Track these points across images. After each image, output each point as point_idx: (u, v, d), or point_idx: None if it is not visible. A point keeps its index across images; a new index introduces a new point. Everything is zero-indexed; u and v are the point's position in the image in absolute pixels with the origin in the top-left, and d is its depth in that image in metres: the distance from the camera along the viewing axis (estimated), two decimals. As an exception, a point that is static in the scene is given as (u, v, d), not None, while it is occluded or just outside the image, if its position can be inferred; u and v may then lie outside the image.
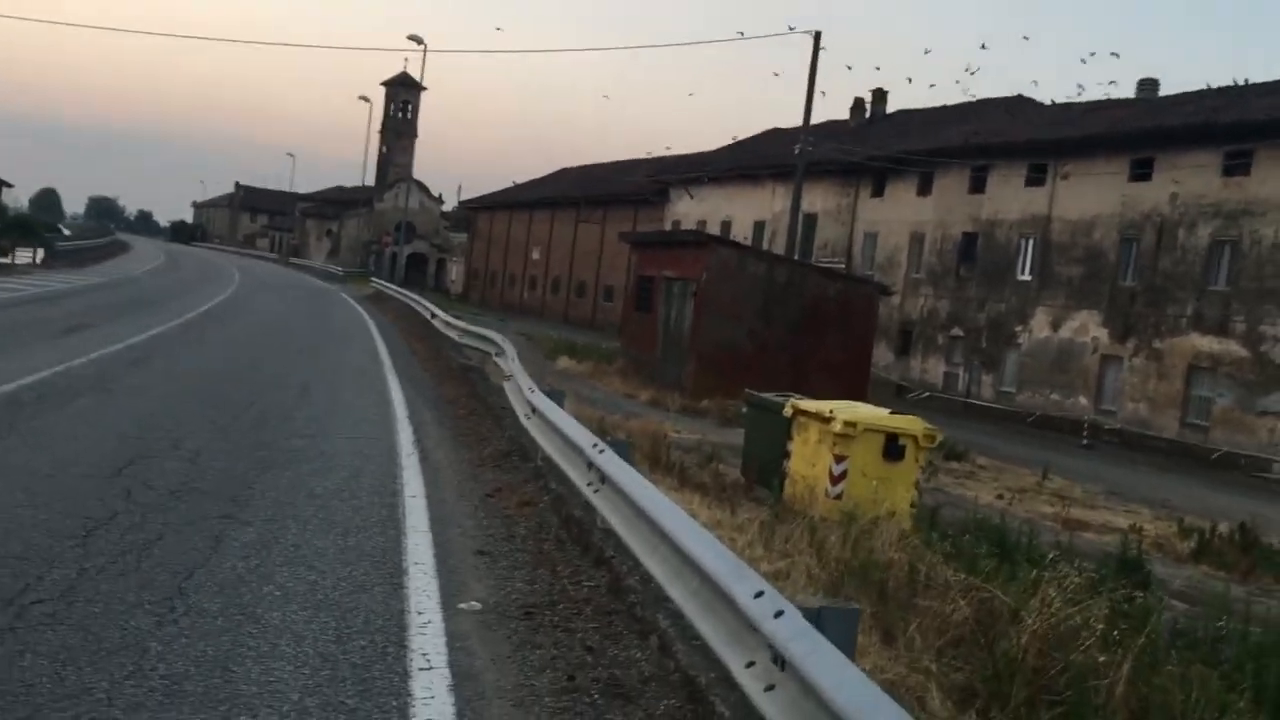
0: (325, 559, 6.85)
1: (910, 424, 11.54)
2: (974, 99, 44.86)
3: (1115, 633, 6.31)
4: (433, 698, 4.81)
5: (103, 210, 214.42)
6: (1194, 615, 9.22)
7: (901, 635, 7.05)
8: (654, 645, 5.37)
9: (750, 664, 3.87)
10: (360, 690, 4.82)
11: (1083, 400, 32.91)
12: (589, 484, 7.45)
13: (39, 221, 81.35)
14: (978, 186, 37.69)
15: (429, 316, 30.52)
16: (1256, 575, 13.18)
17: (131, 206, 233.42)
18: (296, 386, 15.72)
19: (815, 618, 3.68)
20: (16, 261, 45.60)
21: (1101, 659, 5.96)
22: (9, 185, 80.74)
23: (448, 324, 26.38)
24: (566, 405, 11.06)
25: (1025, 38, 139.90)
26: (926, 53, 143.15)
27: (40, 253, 50.44)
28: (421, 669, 5.13)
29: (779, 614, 3.67)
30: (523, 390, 11.76)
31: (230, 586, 6.09)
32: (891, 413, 12.18)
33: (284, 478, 9.24)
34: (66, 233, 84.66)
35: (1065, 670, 6.28)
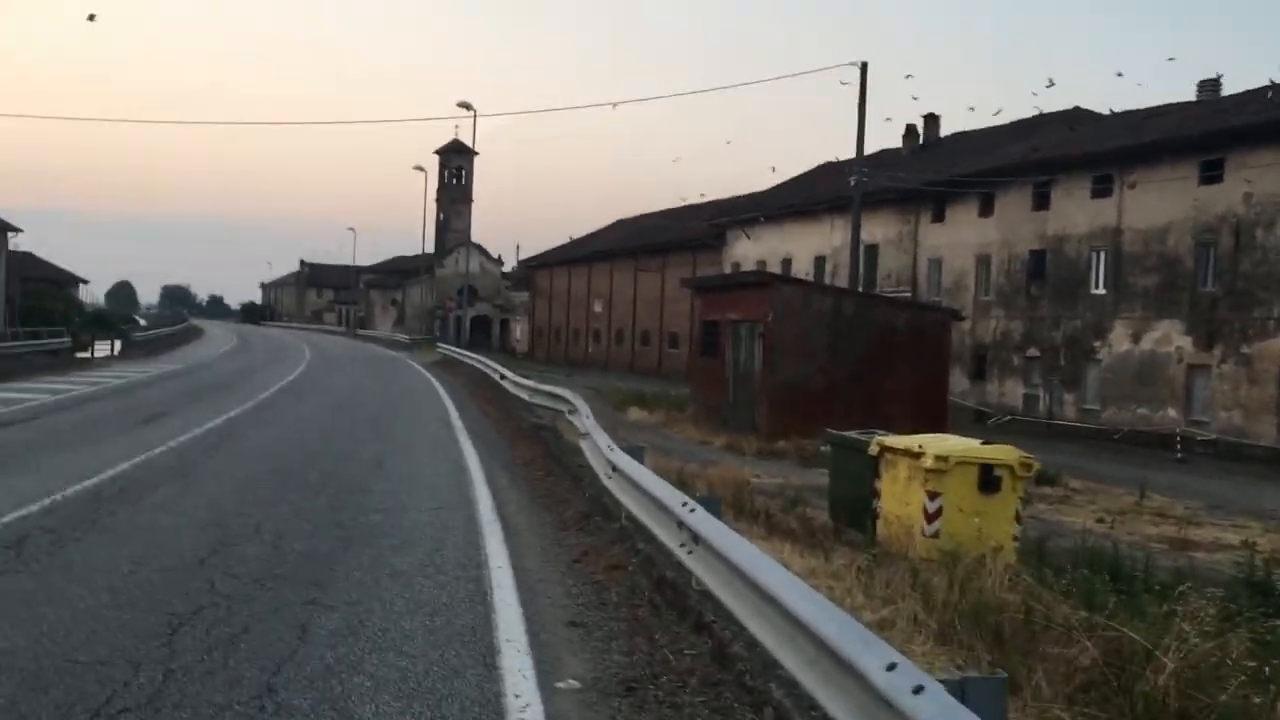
0: (414, 642, 6.60)
1: (1005, 454, 11.07)
2: (1031, 115, 44.14)
3: (1266, 669, 5.81)
4: (539, 791, 4.51)
5: (176, 298, 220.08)
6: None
7: (1027, 683, 6.60)
8: (769, 718, 5.02)
9: (888, 744, 3.52)
10: (462, 788, 4.54)
11: (1172, 413, 31.83)
12: (681, 544, 7.12)
13: (116, 314, 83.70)
14: (1041, 203, 36.95)
15: (498, 378, 30.49)
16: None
17: (203, 292, 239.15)
18: (371, 460, 15.63)
19: (959, 691, 3.33)
20: (96, 355, 46.66)
21: (1257, 699, 5.47)
22: (84, 281, 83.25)
23: (517, 384, 26.28)
24: (646, 459, 10.79)
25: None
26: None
27: (118, 345, 51.63)
28: (524, 760, 4.83)
29: (919, 689, 3.32)
30: (601, 448, 11.50)
31: (320, 679, 5.86)
32: (984, 443, 11.72)
33: (365, 556, 9.05)
34: (142, 323, 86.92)
35: (1212, 712, 5.81)
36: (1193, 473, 25.67)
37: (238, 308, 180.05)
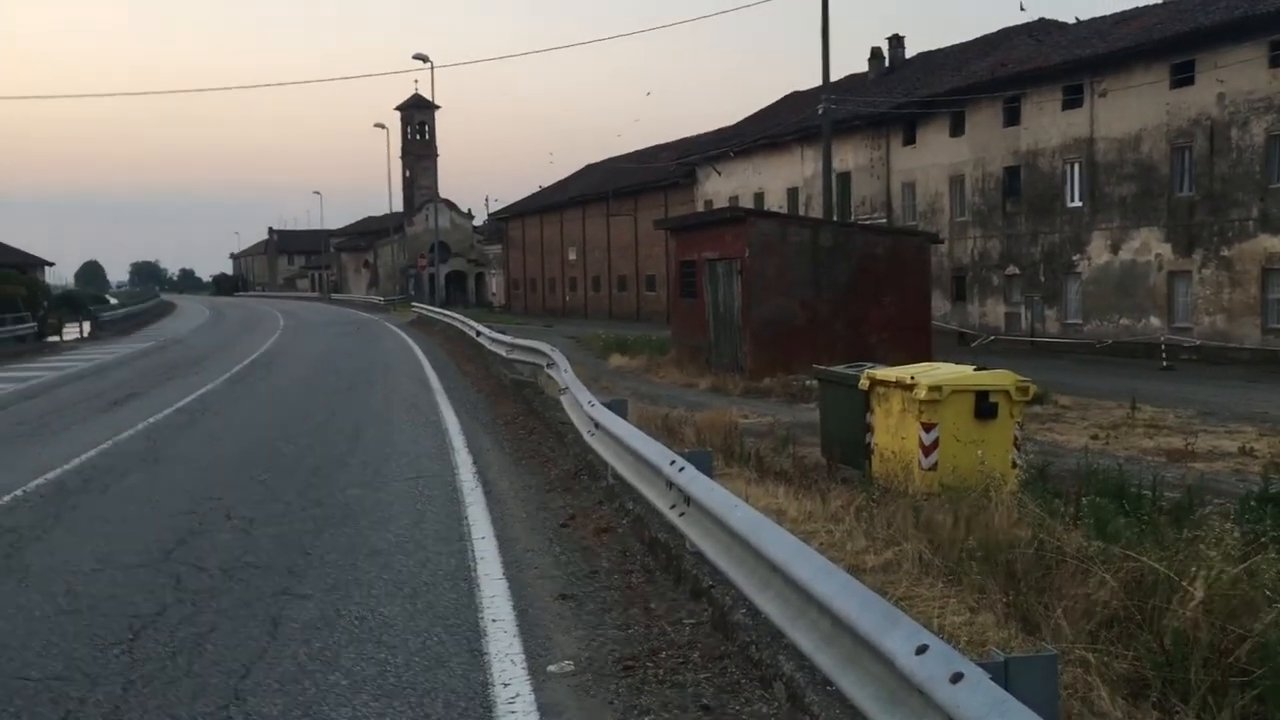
0: (394, 630, 6.17)
1: (999, 378, 10.68)
2: (995, 30, 43.44)
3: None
4: (533, 797, 4.10)
5: (146, 274, 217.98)
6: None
7: (1045, 622, 6.24)
8: (781, 696, 4.61)
9: (924, 738, 3.11)
10: (449, 799, 4.13)
11: (1154, 321, 31.60)
12: (672, 506, 6.67)
13: (84, 294, 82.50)
14: (1012, 119, 36.38)
15: (474, 335, 29.92)
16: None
17: (173, 266, 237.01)
18: (348, 430, 15.14)
19: (1002, 674, 2.92)
20: (65, 338, 45.81)
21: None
22: (49, 264, 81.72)
23: (494, 340, 25.73)
24: (630, 407, 10.34)
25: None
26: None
27: (86, 325, 50.70)
28: (516, 759, 4.42)
29: (957, 677, 2.90)
30: (582, 404, 11.02)
31: (292, 681, 5.42)
32: (976, 368, 11.32)
33: (342, 536, 8.60)
34: (113, 302, 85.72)
35: (1248, 643, 5.45)
36: (1180, 380, 25.45)
37: (209, 280, 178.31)
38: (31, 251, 77.37)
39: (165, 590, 7.17)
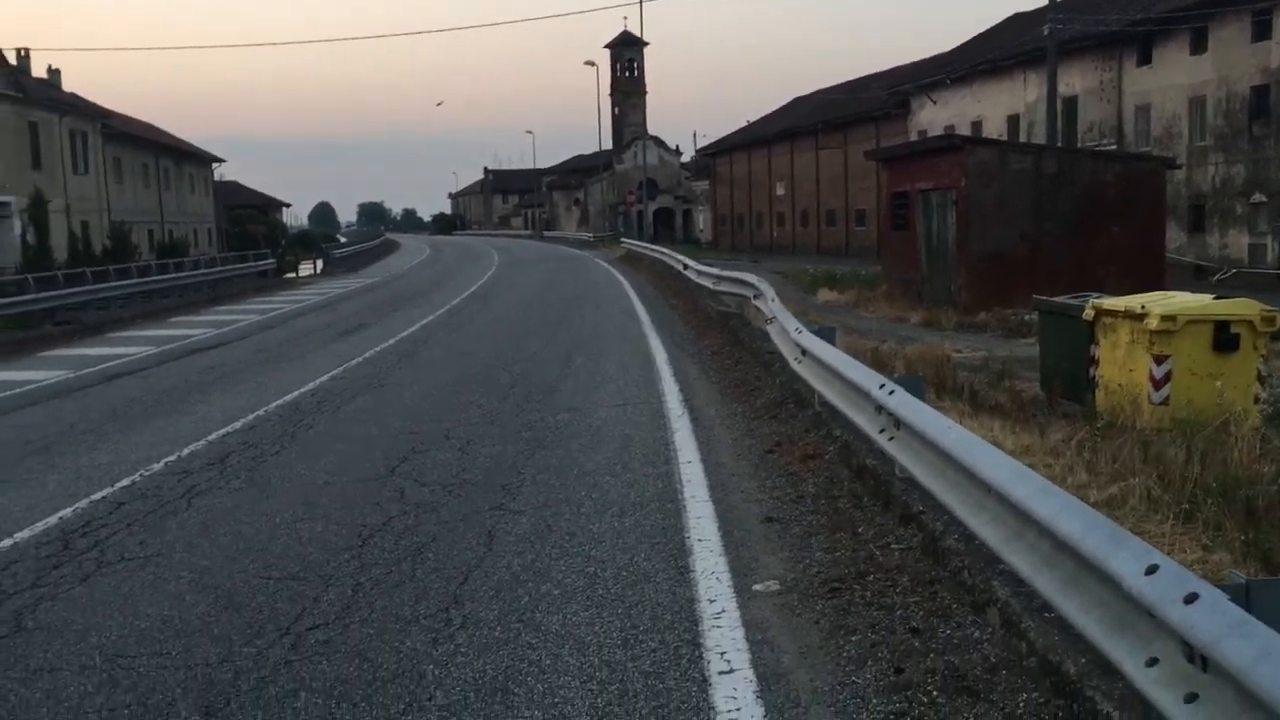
0: (602, 546, 6.30)
1: (1242, 307, 9.91)
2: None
3: None
4: (739, 710, 4.11)
5: (372, 214, 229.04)
6: None
7: (1290, 565, 5.82)
8: (995, 621, 4.45)
9: (1152, 661, 2.92)
10: (656, 706, 4.19)
11: None
12: (881, 430, 6.52)
13: (316, 234, 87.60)
14: (1262, 33, 33.36)
15: (681, 269, 30.05)
16: None
17: (396, 206, 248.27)
18: (559, 358, 15.51)
19: (1243, 596, 2.70)
20: (300, 274, 48.80)
21: None
22: (287, 205, 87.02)
23: (701, 273, 25.79)
24: (837, 340, 10.15)
25: None
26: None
27: (319, 263, 53.78)
28: (721, 672, 4.44)
29: (1192, 598, 2.71)
30: (788, 332, 10.90)
31: (506, 589, 5.63)
32: (1215, 297, 10.55)
33: (553, 457, 8.83)
34: (343, 240, 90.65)
35: None
36: None
37: (429, 220, 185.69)
38: (271, 194, 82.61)
39: (390, 503, 7.55)
